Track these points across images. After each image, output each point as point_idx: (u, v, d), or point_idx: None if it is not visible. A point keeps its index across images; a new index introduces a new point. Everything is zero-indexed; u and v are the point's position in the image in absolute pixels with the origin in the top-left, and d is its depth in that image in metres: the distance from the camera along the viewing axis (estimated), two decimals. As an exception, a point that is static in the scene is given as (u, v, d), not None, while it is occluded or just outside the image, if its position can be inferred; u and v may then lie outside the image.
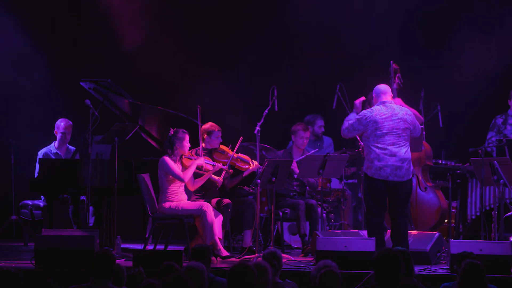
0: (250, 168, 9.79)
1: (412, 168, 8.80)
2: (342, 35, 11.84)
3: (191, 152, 9.50)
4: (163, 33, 11.95)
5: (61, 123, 10.64)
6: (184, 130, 9.36)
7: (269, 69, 12.09)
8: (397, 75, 9.58)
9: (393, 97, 8.98)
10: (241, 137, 9.65)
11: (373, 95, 8.90)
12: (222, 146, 9.83)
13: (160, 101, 11.11)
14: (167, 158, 9.29)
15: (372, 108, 8.82)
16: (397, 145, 8.68)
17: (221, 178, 9.69)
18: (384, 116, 8.69)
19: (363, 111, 8.83)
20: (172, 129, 9.34)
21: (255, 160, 9.81)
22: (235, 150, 9.69)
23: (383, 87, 8.90)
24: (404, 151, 8.69)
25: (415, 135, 8.90)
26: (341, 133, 8.96)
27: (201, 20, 12.19)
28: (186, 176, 9.28)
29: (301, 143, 10.28)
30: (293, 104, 11.56)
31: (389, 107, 8.75)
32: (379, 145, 8.67)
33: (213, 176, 9.59)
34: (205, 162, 9.47)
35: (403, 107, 8.87)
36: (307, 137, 10.33)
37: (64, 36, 12.06)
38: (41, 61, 12.00)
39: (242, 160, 9.80)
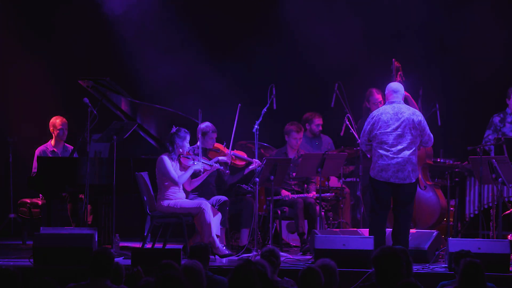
0: (251, 166, 9.79)
1: (417, 172, 8.70)
2: (342, 33, 11.83)
3: (188, 151, 9.48)
4: (162, 32, 11.94)
5: (56, 120, 10.62)
6: (186, 130, 9.34)
7: (268, 67, 12.07)
8: (399, 73, 9.55)
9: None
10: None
11: (385, 92, 8.82)
12: (216, 145, 9.84)
13: (158, 99, 11.10)
14: (165, 158, 9.26)
15: (380, 107, 8.80)
16: (401, 146, 8.57)
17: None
18: (389, 116, 8.61)
19: (373, 111, 8.82)
20: (174, 127, 9.32)
21: (254, 158, 9.82)
22: (230, 148, 9.69)
23: (394, 85, 8.78)
24: (408, 153, 8.57)
25: (424, 141, 8.67)
26: (360, 146, 8.95)
27: (201, 18, 12.17)
28: (181, 180, 9.26)
29: (294, 143, 10.28)
30: (292, 103, 11.54)
31: (396, 107, 8.65)
32: (383, 146, 8.60)
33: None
34: (203, 162, 9.43)
35: (411, 108, 8.75)
36: (300, 138, 10.33)
37: (63, 33, 12.05)
38: (41, 58, 12.00)
39: (238, 157, 9.80)
